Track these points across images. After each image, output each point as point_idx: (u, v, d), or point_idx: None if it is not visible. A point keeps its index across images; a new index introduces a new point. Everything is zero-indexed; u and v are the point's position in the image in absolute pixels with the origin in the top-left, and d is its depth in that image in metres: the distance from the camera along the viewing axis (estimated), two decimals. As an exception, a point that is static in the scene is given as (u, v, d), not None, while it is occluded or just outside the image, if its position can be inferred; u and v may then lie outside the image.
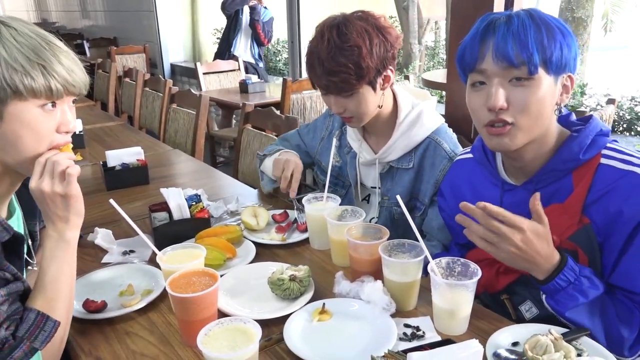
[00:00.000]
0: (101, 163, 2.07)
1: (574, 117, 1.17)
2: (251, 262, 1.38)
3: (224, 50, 5.37)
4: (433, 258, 1.10)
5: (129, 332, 1.12)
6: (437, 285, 1.07)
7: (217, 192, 1.95)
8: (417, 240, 1.13)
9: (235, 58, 5.16)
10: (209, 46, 6.82)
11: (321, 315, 1.12)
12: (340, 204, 1.45)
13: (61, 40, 1.00)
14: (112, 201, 1.13)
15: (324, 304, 1.14)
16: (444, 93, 6.09)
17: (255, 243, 1.47)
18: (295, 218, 1.60)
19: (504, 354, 0.97)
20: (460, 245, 1.39)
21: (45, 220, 1.02)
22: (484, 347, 0.97)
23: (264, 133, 2.55)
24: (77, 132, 2.56)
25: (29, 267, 1.16)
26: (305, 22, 4.56)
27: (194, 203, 1.54)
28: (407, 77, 3.81)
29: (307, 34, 4.60)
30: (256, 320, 0.95)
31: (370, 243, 1.21)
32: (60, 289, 0.99)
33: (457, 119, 2.01)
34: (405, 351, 0.92)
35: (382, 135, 1.56)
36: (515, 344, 1.01)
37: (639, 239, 1.02)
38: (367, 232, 1.28)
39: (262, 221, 1.56)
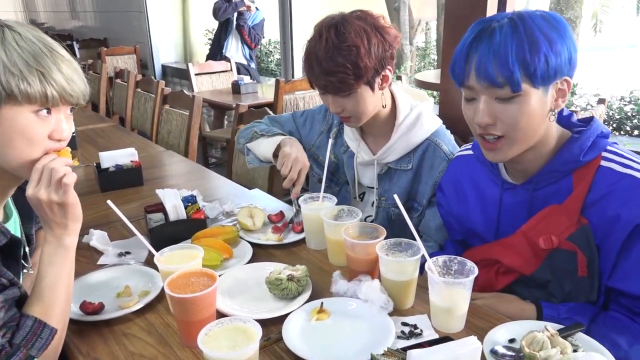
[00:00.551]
0: (94, 165, 2.05)
1: (575, 118, 1.17)
2: (248, 263, 1.38)
3: (216, 52, 5.37)
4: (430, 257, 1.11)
5: (126, 334, 1.11)
6: (434, 284, 1.08)
7: (212, 193, 1.95)
8: (422, 238, 1.14)
9: (227, 59, 5.16)
10: (201, 47, 6.80)
11: (319, 314, 1.12)
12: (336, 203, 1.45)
13: (66, 49, 1.00)
14: (109, 202, 1.12)
15: (322, 303, 1.14)
16: (435, 93, 6.13)
17: (251, 243, 1.47)
18: (292, 218, 1.60)
19: (501, 350, 0.98)
20: (456, 243, 1.40)
21: (43, 226, 1.01)
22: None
23: (257, 134, 2.54)
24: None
25: (24, 271, 1.15)
26: (298, 23, 4.57)
27: (189, 204, 1.54)
28: (399, 78, 3.82)
29: (299, 35, 4.60)
30: (254, 320, 0.95)
31: (367, 242, 1.22)
32: (58, 295, 0.98)
33: (451, 119, 2.02)
34: (405, 349, 0.93)
35: (380, 136, 1.56)
36: (512, 340, 1.02)
37: (638, 242, 1.03)
38: (363, 232, 1.28)
39: (258, 221, 1.56)
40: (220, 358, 0.89)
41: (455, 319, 1.08)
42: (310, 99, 3.72)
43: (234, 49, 5.35)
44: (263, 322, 0.98)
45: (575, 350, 0.95)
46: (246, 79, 4.57)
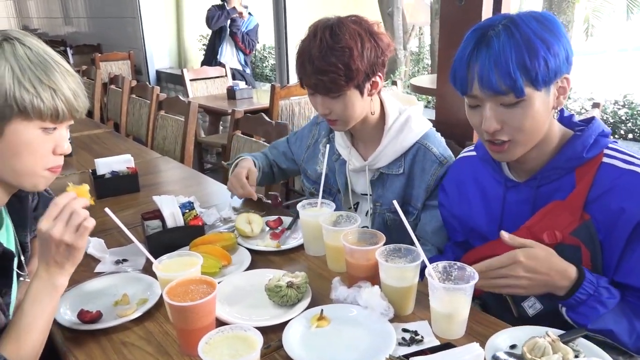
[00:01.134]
0: (90, 171, 2.04)
1: (576, 118, 1.19)
2: (247, 270, 1.37)
3: (211, 58, 5.36)
4: (429, 262, 1.10)
5: (125, 343, 1.10)
6: (434, 290, 1.08)
7: (209, 199, 1.94)
8: (413, 245, 1.14)
9: (222, 65, 5.15)
10: (195, 52, 6.79)
11: (319, 321, 1.12)
12: None
13: (68, 62, 1.01)
14: (107, 210, 1.11)
15: (322, 310, 1.14)
16: (430, 98, 6.15)
17: (250, 250, 1.46)
18: (290, 224, 1.60)
19: (503, 356, 0.98)
20: (456, 246, 1.40)
21: (39, 260, 0.99)
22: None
23: (253, 139, 2.54)
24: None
25: (21, 279, 1.14)
26: (292, 29, 4.57)
27: (187, 210, 1.53)
28: (394, 83, 3.83)
29: (294, 40, 4.60)
30: (254, 327, 0.95)
31: (367, 248, 1.21)
32: (34, 336, 0.96)
33: (448, 124, 2.03)
34: (407, 356, 0.93)
35: (370, 141, 1.57)
36: (513, 346, 1.01)
37: None
38: (362, 238, 1.28)
39: (257, 228, 1.55)
40: (221, 367, 0.88)
41: (456, 325, 1.08)
42: (306, 104, 3.72)
43: (229, 54, 5.34)
44: (263, 330, 0.98)
45: (576, 356, 0.95)
46: (241, 84, 4.57)
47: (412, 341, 1.06)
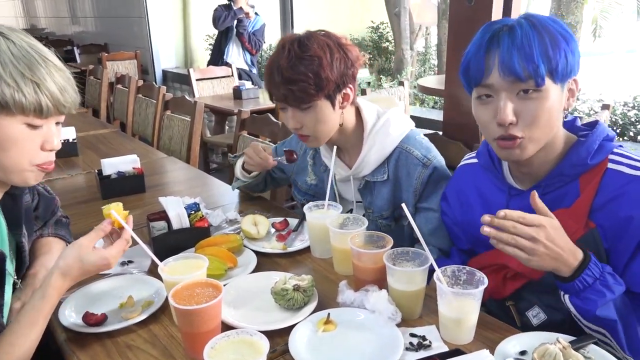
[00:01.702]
0: (96, 171, 2.03)
1: (579, 122, 1.17)
2: (253, 272, 1.36)
3: (217, 58, 5.36)
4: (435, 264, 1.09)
5: (130, 346, 1.09)
6: (443, 294, 1.06)
7: (215, 200, 1.93)
8: (414, 246, 1.12)
9: (228, 65, 5.15)
10: (201, 52, 6.80)
11: (326, 325, 1.10)
12: None
13: (59, 57, 0.99)
14: (113, 212, 1.11)
15: (328, 314, 1.12)
16: (436, 99, 6.12)
17: (256, 252, 1.45)
18: (296, 226, 1.59)
19: (513, 363, 0.96)
20: (462, 251, 1.38)
21: (55, 269, 1.02)
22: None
23: (259, 140, 2.53)
24: (70, 140, 2.54)
25: (16, 279, 1.13)
26: (299, 28, 4.56)
27: (193, 212, 1.52)
28: (401, 83, 3.80)
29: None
30: (260, 332, 0.94)
31: (375, 252, 1.20)
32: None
33: (456, 125, 2.01)
34: (415, 362, 0.91)
35: (352, 150, 1.55)
36: (523, 352, 1.00)
37: None
38: (370, 240, 1.27)
39: (263, 229, 1.54)
40: (226, 372, 0.87)
41: (465, 330, 1.06)
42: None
43: (235, 55, 5.34)
44: (269, 334, 0.97)
45: (588, 363, 0.94)
46: (247, 84, 4.56)
47: (420, 346, 1.05)
